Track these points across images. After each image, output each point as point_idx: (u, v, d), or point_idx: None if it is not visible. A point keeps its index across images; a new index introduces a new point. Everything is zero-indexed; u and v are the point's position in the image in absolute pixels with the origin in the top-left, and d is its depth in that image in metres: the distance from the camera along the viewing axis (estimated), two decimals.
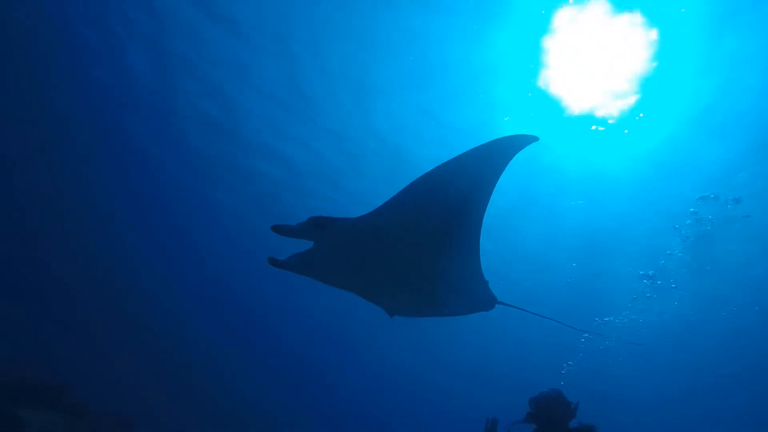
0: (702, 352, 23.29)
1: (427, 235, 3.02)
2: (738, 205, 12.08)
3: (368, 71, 11.09)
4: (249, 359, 35.32)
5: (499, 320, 23.07)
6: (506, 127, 11.04)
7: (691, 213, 12.80)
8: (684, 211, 12.96)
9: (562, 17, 8.38)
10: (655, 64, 9.03)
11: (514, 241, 16.71)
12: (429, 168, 2.83)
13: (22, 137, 20.24)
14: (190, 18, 11.29)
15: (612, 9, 8.16)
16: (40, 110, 18.07)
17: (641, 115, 10.10)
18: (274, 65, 11.88)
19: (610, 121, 10.38)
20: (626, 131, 10.55)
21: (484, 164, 2.82)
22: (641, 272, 15.97)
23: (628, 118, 10.24)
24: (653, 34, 8.47)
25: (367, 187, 15.55)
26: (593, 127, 10.59)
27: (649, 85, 9.48)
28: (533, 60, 9.44)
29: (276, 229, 3.04)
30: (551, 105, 10.28)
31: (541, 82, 9.89)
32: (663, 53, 8.83)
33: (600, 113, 10.28)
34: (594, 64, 9.15)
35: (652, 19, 8.26)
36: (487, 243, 16.30)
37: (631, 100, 9.80)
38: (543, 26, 8.70)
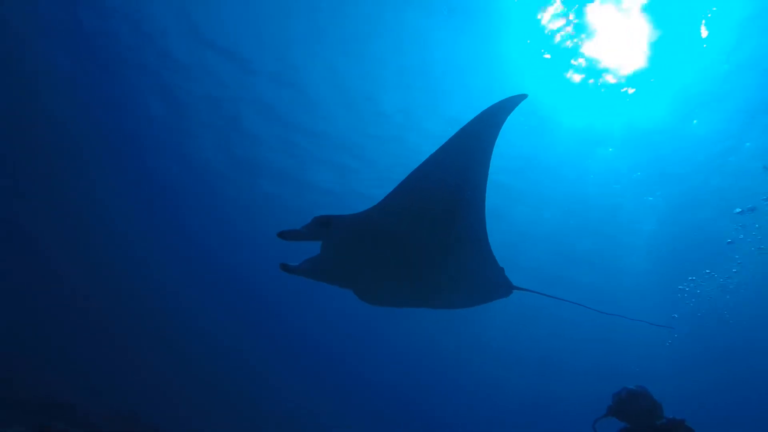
0: None
1: (432, 221, 2.99)
2: None
3: None
4: (278, 363, 35.66)
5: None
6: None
7: None
8: None
9: None
10: None
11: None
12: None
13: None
14: None
15: None
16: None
17: None
18: None
19: None
20: None
21: (477, 139, 2.76)
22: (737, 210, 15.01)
23: None
24: None
25: None
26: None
27: None
28: None
29: (282, 235, 3.02)
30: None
31: None
32: None
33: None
34: None
35: None
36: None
37: None
38: None
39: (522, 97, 2.68)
